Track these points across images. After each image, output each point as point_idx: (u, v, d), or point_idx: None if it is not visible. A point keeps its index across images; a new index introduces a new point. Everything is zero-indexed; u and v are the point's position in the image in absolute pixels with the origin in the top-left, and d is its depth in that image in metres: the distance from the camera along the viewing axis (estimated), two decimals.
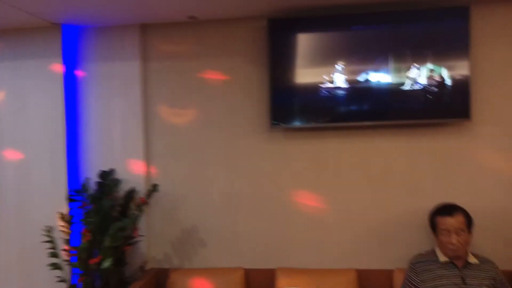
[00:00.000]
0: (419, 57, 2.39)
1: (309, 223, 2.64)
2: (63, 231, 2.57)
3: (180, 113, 2.75)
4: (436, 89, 2.38)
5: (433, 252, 2.28)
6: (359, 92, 2.44)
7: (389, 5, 2.45)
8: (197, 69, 2.73)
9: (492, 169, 2.48)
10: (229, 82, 2.70)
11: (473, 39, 2.41)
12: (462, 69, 2.35)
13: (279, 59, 2.50)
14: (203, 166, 2.72)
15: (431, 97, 2.38)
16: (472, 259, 2.20)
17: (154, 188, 2.66)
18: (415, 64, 2.40)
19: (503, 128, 2.47)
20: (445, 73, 2.38)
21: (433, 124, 2.49)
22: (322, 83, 2.48)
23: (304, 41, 2.50)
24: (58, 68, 2.73)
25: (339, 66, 2.45)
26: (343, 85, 2.46)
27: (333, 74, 2.46)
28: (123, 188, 2.68)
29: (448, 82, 2.37)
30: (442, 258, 2.21)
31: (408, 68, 2.40)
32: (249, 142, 2.67)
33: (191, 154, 2.73)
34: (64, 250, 2.54)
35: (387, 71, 2.41)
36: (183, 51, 2.74)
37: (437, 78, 2.39)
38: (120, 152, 2.73)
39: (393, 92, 2.41)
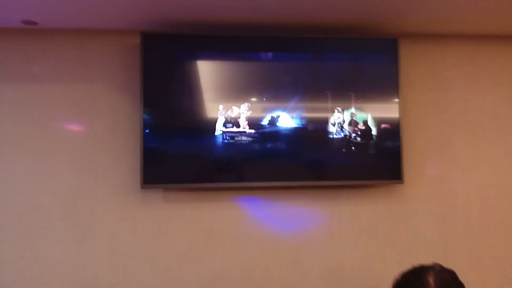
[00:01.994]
0: (342, 99, 2.04)
1: None
2: None
3: (8, 165, 2.02)
4: (361, 140, 2.05)
5: None
6: (268, 141, 2.01)
7: (307, 31, 2.05)
8: (37, 99, 2.04)
9: (427, 241, 2.14)
10: (83, 119, 2.04)
11: (402, 79, 2.08)
12: (392, 113, 2.05)
13: (157, 89, 1.98)
14: (42, 243, 2.03)
15: (355, 150, 2.05)
16: None
17: None
18: (337, 108, 2.04)
19: (437, 190, 2.18)
20: (371, 121, 2.05)
21: (358, 186, 2.12)
22: (217, 126, 1.98)
23: (194, 67, 1.99)
24: None
25: (242, 104, 1.98)
26: (247, 130, 1.98)
27: (232, 115, 1.98)
28: None
29: (375, 132, 2.05)
30: None
31: (329, 112, 2.02)
32: (112, 207, 2.07)
33: (24, 226, 2.04)
34: None
35: (303, 115, 2.01)
36: (17, 71, 2.04)
37: (362, 127, 2.05)
38: None
39: (310, 143, 2.04)
